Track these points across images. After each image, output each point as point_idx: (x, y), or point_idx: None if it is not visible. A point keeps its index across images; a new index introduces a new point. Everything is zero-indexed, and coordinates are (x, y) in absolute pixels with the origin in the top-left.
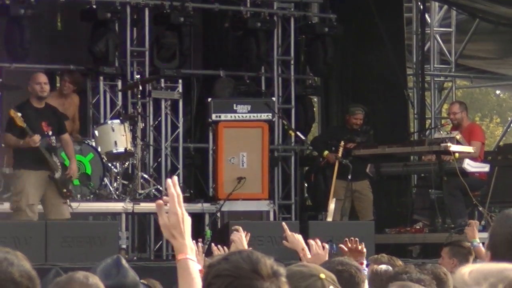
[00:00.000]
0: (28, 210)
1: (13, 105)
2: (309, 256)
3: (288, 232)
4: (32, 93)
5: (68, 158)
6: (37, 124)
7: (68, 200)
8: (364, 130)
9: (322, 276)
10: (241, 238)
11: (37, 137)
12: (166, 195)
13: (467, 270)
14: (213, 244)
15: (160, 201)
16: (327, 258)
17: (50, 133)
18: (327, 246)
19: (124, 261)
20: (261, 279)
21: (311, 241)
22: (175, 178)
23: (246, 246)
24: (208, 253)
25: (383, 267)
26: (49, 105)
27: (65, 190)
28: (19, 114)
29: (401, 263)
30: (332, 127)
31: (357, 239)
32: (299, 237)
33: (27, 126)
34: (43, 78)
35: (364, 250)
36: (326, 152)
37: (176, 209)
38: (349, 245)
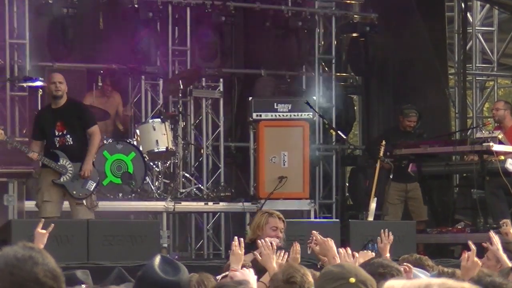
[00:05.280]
0: (43, 207)
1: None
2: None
3: (319, 238)
4: (48, 94)
5: (86, 153)
6: (52, 126)
7: (84, 201)
8: (417, 133)
9: (352, 280)
10: (268, 254)
11: (34, 155)
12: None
13: None
14: (257, 240)
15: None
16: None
17: (65, 132)
18: (357, 254)
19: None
20: None
21: (341, 250)
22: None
23: (274, 265)
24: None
25: None
26: (71, 102)
27: (75, 192)
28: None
29: (431, 263)
30: (385, 130)
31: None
32: (331, 244)
33: (19, 143)
34: (58, 77)
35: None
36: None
37: None
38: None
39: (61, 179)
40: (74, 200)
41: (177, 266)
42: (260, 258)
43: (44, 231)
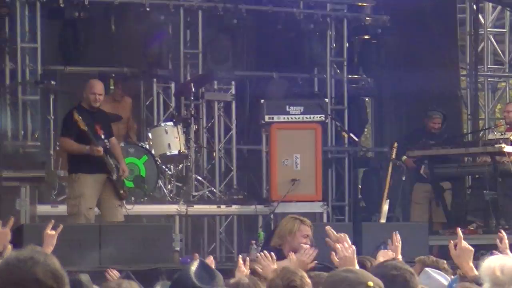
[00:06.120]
0: (87, 214)
1: (67, 108)
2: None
3: (333, 235)
4: (85, 100)
5: (117, 160)
6: (92, 127)
7: (123, 202)
8: (438, 134)
9: (370, 284)
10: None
11: (100, 149)
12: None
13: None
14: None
15: None
16: (355, 260)
17: (103, 136)
18: (354, 247)
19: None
20: None
21: (338, 245)
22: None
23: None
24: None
25: None
26: (100, 108)
27: (122, 192)
28: (81, 118)
29: (447, 266)
30: (411, 132)
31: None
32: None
33: (89, 131)
34: (99, 89)
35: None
36: (404, 157)
37: None
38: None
39: (113, 177)
40: (117, 201)
41: (213, 273)
42: (261, 270)
43: (53, 232)
